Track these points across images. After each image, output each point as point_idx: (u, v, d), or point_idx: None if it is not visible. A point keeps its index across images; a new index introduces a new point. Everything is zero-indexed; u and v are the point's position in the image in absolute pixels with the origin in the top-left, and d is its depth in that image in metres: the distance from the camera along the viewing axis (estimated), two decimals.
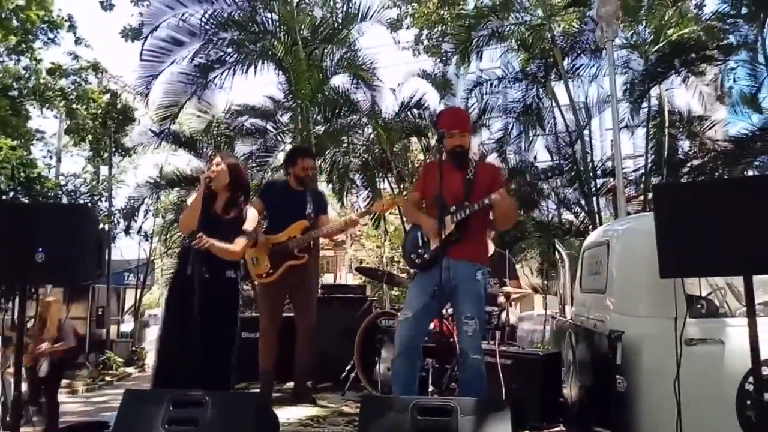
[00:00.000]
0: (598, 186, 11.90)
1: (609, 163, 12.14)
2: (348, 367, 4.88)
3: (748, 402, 2.95)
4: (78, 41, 14.41)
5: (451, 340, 4.37)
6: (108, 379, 12.10)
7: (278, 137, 9.23)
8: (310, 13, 9.42)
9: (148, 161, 17.11)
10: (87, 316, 13.55)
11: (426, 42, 15.22)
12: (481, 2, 13.78)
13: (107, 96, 15.13)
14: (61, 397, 10.91)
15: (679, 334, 3.00)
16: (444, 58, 14.10)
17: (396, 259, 20.53)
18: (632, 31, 11.91)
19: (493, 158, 13.94)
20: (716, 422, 3.00)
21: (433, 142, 14.12)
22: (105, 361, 12.90)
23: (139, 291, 15.49)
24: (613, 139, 7.76)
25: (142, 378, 12.77)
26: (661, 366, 3.05)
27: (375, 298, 5.75)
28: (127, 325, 16.12)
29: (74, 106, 14.46)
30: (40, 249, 2.87)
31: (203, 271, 3.26)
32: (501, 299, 4.63)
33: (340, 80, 10.56)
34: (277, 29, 8.51)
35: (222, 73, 8.48)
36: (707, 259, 2.48)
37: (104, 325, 13.76)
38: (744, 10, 11.55)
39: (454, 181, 3.42)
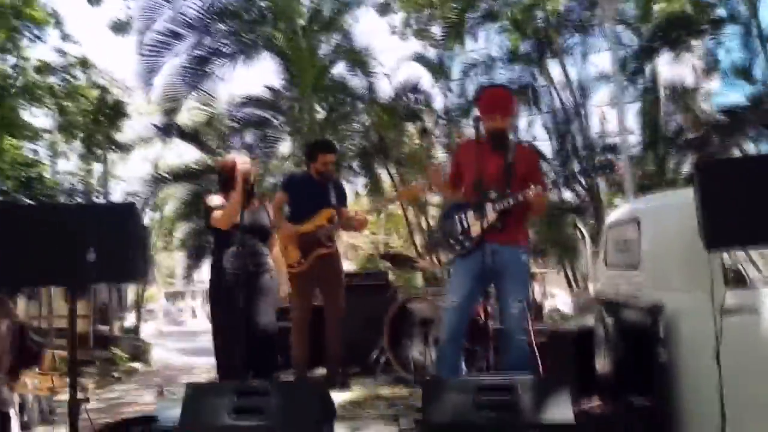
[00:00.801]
0: (596, 163, 12.05)
1: (608, 139, 12.32)
2: (376, 352, 4.96)
3: None
4: (65, 37, 14.23)
5: (482, 321, 4.46)
6: (116, 375, 12.09)
7: (282, 126, 9.23)
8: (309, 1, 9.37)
9: (136, 155, 17.04)
10: (90, 313, 13.49)
11: (415, 26, 15.20)
12: None
13: (97, 92, 14.96)
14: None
15: (717, 306, 3.09)
16: (434, 42, 14.12)
17: (391, 244, 20.66)
18: (622, 7, 11.97)
19: None
20: (754, 389, 3.10)
21: (429, 125, 14.24)
22: (110, 357, 12.89)
23: (140, 286, 15.48)
24: (618, 116, 7.88)
25: (149, 374, 12.78)
26: (700, 337, 3.13)
27: (400, 285, 5.81)
28: (129, 321, 16.12)
29: (64, 103, 14.31)
30: (92, 248, 2.90)
31: (248, 263, 3.35)
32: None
33: (337, 68, 10.61)
34: (277, 18, 8.47)
35: (223, 65, 8.44)
36: (751, 231, 2.57)
37: (107, 322, 13.73)
38: None
39: (494, 165, 3.43)
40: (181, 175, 9.52)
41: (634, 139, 13.64)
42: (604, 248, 4.52)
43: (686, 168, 11.97)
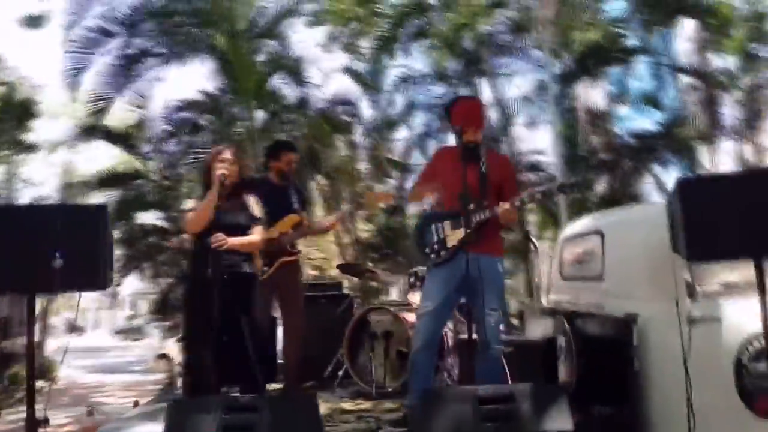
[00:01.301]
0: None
1: (532, 158, 12.85)
2: (332, 365, 4.86)
3: (744, 372, 3.26)
4: None
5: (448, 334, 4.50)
6: (19, 395, 11.14)
7: (221, 132, 8.93)
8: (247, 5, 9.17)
9: (42, 157, 15.94)
10: None
11: (342, 39, 15.20)
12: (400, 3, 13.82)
13: (1, 88, 13.92)
14: None
15: (684, 315, 3.26)
16: (361, 56, 14.20)
17: (311, 256, 20.40)
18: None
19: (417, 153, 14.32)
20: (717, 393, 3.28)
21: (357, 138, 14.26)
22: (13, 376, 11.87)
23: (43, 299, 14.33)
24: (552, 135, 8.23)
25: (57, 392, 11.88)
26: (667, 345, 3.29)
27: (356, 295, 5.73)
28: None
29: None
30: (58, 254, 2.66)
31: (221, 272, 3.17)
32: None
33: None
34: (218, 21, 8.22)
35: (155, 66, 8.07)
36: (730, 244, 2.73)
37: (9, 337, 12.63)
38: (639, 18, 12.57)
39: (470, 176, 3.44)
40: (107, 180, 8.97)
41: (550, 159, 14.29)
42: (559, 260, 4.68)
43: (600, 187, 12.65)
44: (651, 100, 12.89)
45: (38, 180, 15.63)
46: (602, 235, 3.88)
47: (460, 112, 3.68)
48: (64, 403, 10.68)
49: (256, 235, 3.43)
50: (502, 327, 3.51)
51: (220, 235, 3.20)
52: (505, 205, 3.40)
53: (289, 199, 4.26)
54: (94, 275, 2.77)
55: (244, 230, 3.39)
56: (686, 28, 12.72)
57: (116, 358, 22.89)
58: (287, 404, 2.66)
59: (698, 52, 12.17)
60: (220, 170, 3.34)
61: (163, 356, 16.09)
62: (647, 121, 12.92)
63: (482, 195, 3.46)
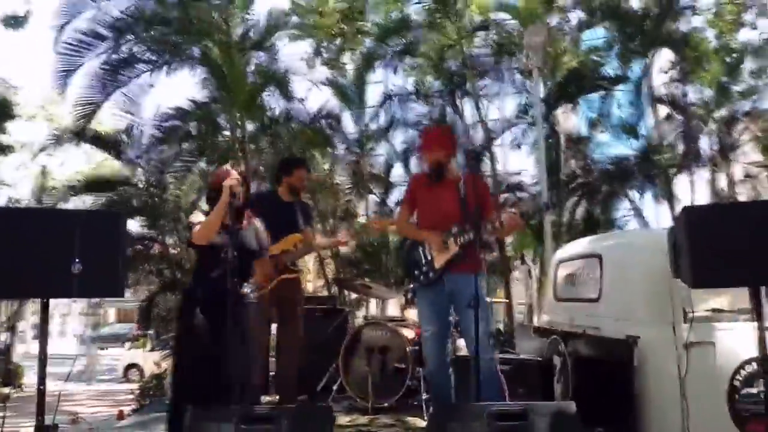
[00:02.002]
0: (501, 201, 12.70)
1: (514, 178, 13.06)
2: (326, 379, 4.86)
3: (737, 396, 3.39)
4: None
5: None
6: None
7: (211, 140, 8.90)
8: (240, 17, 9.19)
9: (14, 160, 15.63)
10: None
11: (325, 54, 15.26)
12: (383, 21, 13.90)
13: None
14: None
15: (683, 338, 3.38)
16: (344, 71, 14.30)
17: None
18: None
19: (398, 170, 14.43)
20: (711, 415, 3.40)
21: (339, 152, 14.31)
22: None
23: (12, 303, 14.00)
24: (539, 158, 8.42)
25: (25, 399, 11.55)
26: (665, 368, 3.41)
27: (349, 309, 5.73)
28: None
29: None
30: (77, 260, 2.66)
31: (233, 287, 3.17)
32: None
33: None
34: (211, 31, 8.22)
35: (149, 72, 8.04)
36: (733, 271, 2.84)
37: None
38: (615, 49, 12.96)
39: (447, 200, 3.64)
40: (93, 185, 8.83)
41: (531, 180, 14.51)
42: (553, 282, 4.78)
43: (580, 210, 12.90)
44: (629, 128, 13.23)
45: (11, 181, 15.35)
46: (600, 258, 3.99)
47: (425, 138, 4.10)
48: (32, 411, 10.35)
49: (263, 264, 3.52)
50: (491, 340, 3.63)
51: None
52: (509, 217, 3.56)
53: (295, 216, 4.27)
54: (111, 282, 2.77)
55: (255, 255, 3.43)
56: (664, 59, 13.16)
57: (83, 366, 22.34)
58: (302, 416, 2.67)
59: (675, 83, 12.56)
60: (231, 181, 3.32)
61: (134, 366, 15.85)
62: (625, 148, 13.23)
63: (463, 217, 3.59)
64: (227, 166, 3.63)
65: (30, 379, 12.44)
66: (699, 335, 3.50)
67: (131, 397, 10.37)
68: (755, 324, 2.95)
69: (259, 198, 3.97)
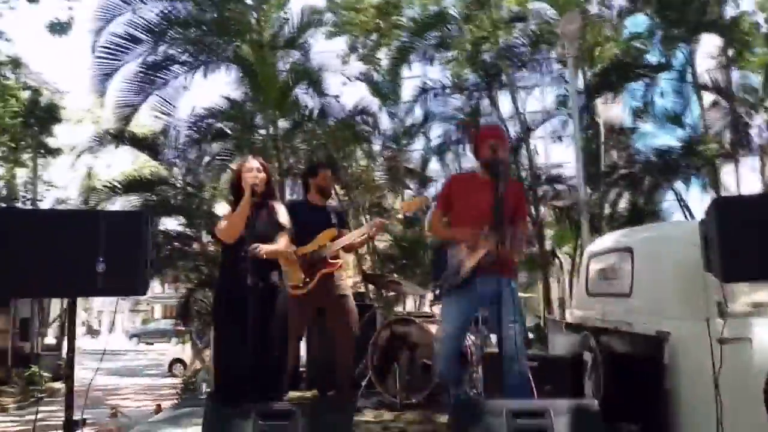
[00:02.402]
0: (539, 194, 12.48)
1: (553, 171, 12.82)
2: (356, 374, 4.87)
3: None
4: None
5: (466, 344, 4.50)
6: (38, 395, 11.26)
7: (247, 139, 9.02)
8: (273, 16, 9.28)
9: (63, 162, 16.17)
10: (9, 328, 12.56)
11: (361, 50, 15.25)
12: (420, 14, 13.84)
13: (27, 93, 14.16)
14: None
15: (715, 334, 3.25)
16: (379, 67, 14.26)
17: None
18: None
19: (434, 165, 14.34)
20: (747, 413, 3.27)
21: (376, 147, 14.32)
22: (30, 376, 12.01)
23: (65, 301, 14.48)
24: (575, 153, 8.26)
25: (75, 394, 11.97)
26: (697, 364, 3.29)
27: (378, 305, 5.73)
28: (50, 337, 15.09)
29: None
30: (101, 258, 2.72)
31: (257, 280, 3.20)
32: None
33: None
34: (243, 31, 8.33)
35: (185, 74, 8.20)
36: (766, 265, 2.72)
37: (28, 338, 12.81)
38: (658, 36, 12.54)
39: (486, 201, 3.50)
40: (134, 184, 9.09)
41: (570, 172, 14.20)
42: (585, 277, 4.67)
43: (623, 203, 12.58)
44: (673, 117, 12.82)
45: (61, 183, 15.89)
46: (632, 252, 3.88)
47: (484, 133, 3.88)
48: (81, 405, 10.72)
49: (282, 242, 3.45)
50: (523, 340, 3.55)
51: (259, 246, 3.25)
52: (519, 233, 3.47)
53: (328, 218, 4.29)
54: (134, 280, 2.83)
55: (272, 239, 3.42)
56: (709, 45, 12.69)
57: (131, 361, 23.07)
58: (321, 412, 2.68)
59: (722, 69, 12.09)
60: (251, 180, 3.37)
61: (179, 361, 16.23)
62: (669, 138, 12.82)
63: (498, 220, 3.49)
64: (248, 157, 3.65)
65: (79, 374, 12.87)
66: (735, 331, 3.36)
67: (174, 391, 10.65)
68: None
69: (292, 207, 3.98)
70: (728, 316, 3.43)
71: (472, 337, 4.41)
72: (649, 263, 3.74)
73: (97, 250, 2.72)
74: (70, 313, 2.87)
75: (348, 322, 4.20)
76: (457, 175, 4.18)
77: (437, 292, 4.94)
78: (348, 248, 4.44)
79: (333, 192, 4.58)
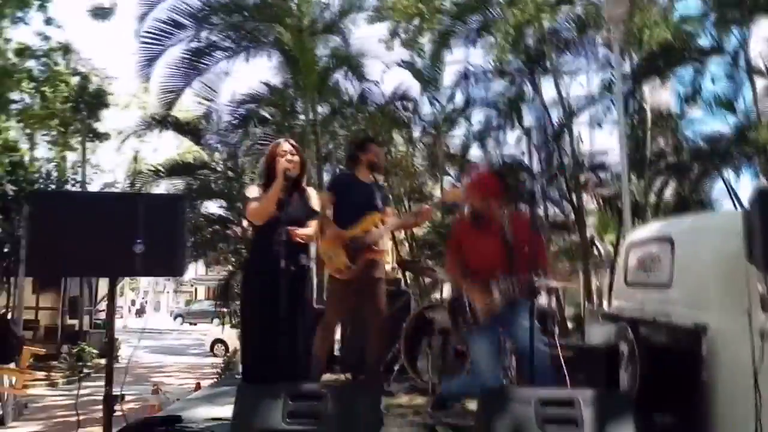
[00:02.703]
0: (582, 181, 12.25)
1: (597, 158, 12.56)
2: (388, 359, 4.91)
3: None
4: (48, 21, 13.83)
5: None
6: (85, 371, 11.73)
7: (284, 124, 9.12)
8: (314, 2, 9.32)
9: (111, 146, 16.63)
10: (59, 306, 13.07)
11: (403, 35, 15.13)
12: None
13: (77, 78, 14.61)
14: (41, 390, 10.59)
15: (757, 329, 3.15)
16: (421, 52, 14.14)
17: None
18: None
19: (475, 151, 14.17)
20: None
21: (416, 133, 14.26)
22: (79, 352, 12.51)
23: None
24: (619, 139, 8.08)
25: (119, 370, 12.42)
26: (737, 358, 3.19)
27: (414, 292, 5.76)
28: (101, 316, 15.66)
29: (42, 88, 13.90)
30: (139, 240, 2.80)
31: (289, 263, 3.24)
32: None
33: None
34: (283, 16, 8.38)
35: (223, 59, 8.32)
36: None
37: (77, 316, 13.32)
38: (712, 16, 12.05)
39: (492, 248, 3.48)
40: (177, 169, 9.31)
41: (614, 159, 13.87)
42: (624, 267, 4.58)
43: (669, 192, 12.25)
44: (725, 103, 12.35)
45: (108, 167, 16.41)
46: (672, 242, 3.78)
47: (473, 184, 3.82)
48: (128, 381, 11.13)
49: (312, 228, 3.48)
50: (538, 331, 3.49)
51: (296, 229, 3.29)
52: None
53: (374, 196, 4.24)
54: (172, 262, 2.90)
55: (304, 223, 3.44)
56: (765, 28, 12.14)
57: (175, 340, 23.74)
58: (351, 394, 2.72)
59: None
60: (284, 163, 3.40)
61: (220, 342, 16.64)
62: (720, 125, 12.37)
63: (508, 266, 3.42)
64: (282, 140, 3.67)
65: (126, 351, 13.34)
66: None
67: (214, 371, 10.93)
68: None
69: (338, 180, 3.97)
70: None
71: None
72: (689, 254, 3.64)
73: (136, 231, 2.79)
74: (111, 292, 2.97)
75: (379, 306, 4.18)
76: (461, 220, 4.11)
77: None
78: (398, 229, 4.41)
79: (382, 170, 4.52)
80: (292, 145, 3.59)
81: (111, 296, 3.00)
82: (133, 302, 37.66)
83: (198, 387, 6.36)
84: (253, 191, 3.54)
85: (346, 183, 4.23)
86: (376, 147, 4.34)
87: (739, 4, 10.82)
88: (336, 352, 5.39)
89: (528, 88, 12.96)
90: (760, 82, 11.95)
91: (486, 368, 3.53)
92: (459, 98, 13.79)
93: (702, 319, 3.33)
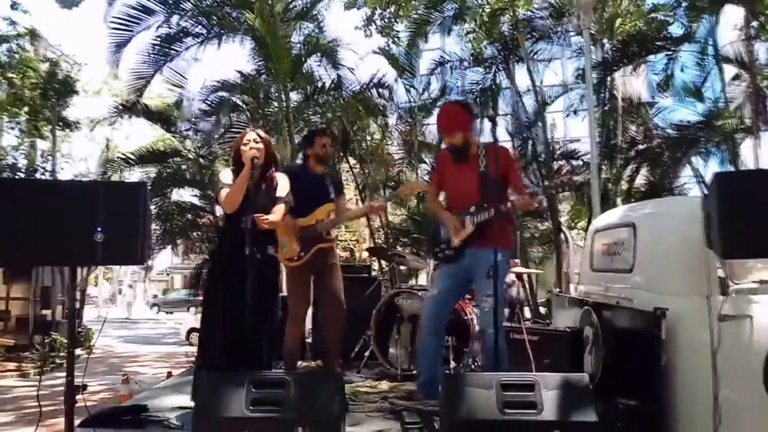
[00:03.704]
0: (555, 168, 12.36)
1: (570, 146, 12.67)
2: (359, 346, 4.94)
3: None
4: (14, 6, 13.49)
5: (467, 318, 4.53)
6: (58, 361, 11.58)
7: (258, 111, 9.05)
8: None
9: (83, 134, 16.33)
10: (30, 296, 12.87)
11: (379, 22, 15.06)
12: None
13: (46, 65, 14.29)
14: (12, 380, 10.45)
15: (715, 311, 3.22)
16: (397, 39, 14.11)
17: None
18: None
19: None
20: (745, 393, 3.25)
21: (391, 122, 14.25)
22: (51, 343, 12.35)
23: (84, 269, 14.77)
24: (589, 127, 8.15)
25: (92, 361, 12.28)
26: (696, 341, 3.27)
27: (385, 278, 5.78)
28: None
29: (9, 74, 13.58)
30: (99, 228, 2.77)
31: (256, 251, 3.23)
32: (512, 277, 4.82)
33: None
34: (257, 2, 8.29)
35: (194, 45, 8.20)
36: (766, 242, 2.68)
37: (49, 306, 13.13)
38: (683, 5, 12.19)
39: (468, 179, 3.59)
40: (147, 156, 9.18)
41: (585, 147, 14.01)
42: (590, 251, 4.65)
43: (640, 179, 12.41)
44: (694, 91, 12.54)
45: (79, 156, 16.11)
46: (635, 227, 3.84)
47: (439, 119, 3.95)
48: (100, 371, 11.09)
49: (278, 213, 3.47)
50: (504, 313, 3.60)
51: (262, 216, 3.29)
52: (520, 200, 3.59)
53: (326, 186, 4.29)
54: (132, 250, 2.87)
55: (269, 211, 3.44)
56: (733, 17, 12.33)
57: (150, 329, 23.54)
58: (313, 381, 2.72)
59: (745, 41, 11.76)
60: (252, 152, 3.40)
61: (195, 330, 16.54)
62: (689, 112, 12.57)
63: (482, 195, 3.53)
64: (248, 129, 3.68)
65: (99, 341, 13.19)
66: (735, 308, 3.33)
67: (189, 359, 10.87)
68: None
69: (289, 171, 3.99)
70: (730, 293, 3.40)
71: (476, 311, 4.44)
72: (651, 239, 3.71)
73: (96, 220, 2.76)
74: (72, 282, 2.93)
75: (336, 293, 4.20)
76: (443, 152, 4.19)
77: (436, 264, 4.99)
78: (349, 220, 4.47)
79: (334, 159, 4.56)
80: (258, 134, 3.60)
81: (73, 285, 2.97)
82: (113, 293, 37.29)
83: (169, 376, 6.33)
84: (225, 176, 3.53)
85: (297, 173, 4.23)
86: (322, 138, 4.35)
87: None
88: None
89: (505, 76, 13.01)
90: (728, 70, 12.16)
91: (435, 286, 3.75)
92: (435, 86, 13.84)
93: (663, 303, 3.39)
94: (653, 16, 12.51)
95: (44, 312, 13.16)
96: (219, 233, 3.68)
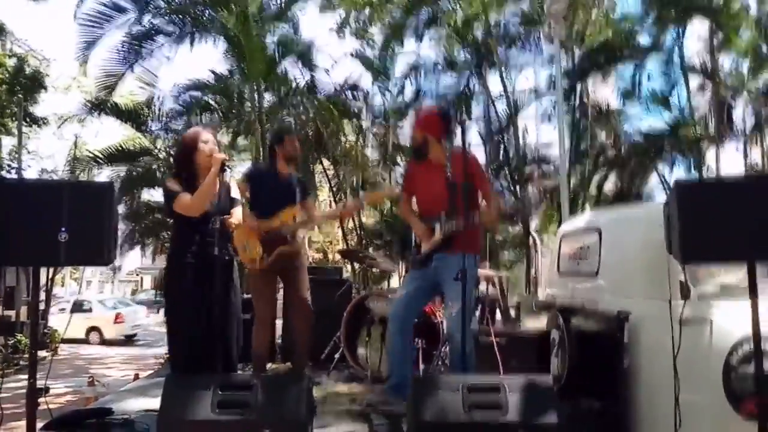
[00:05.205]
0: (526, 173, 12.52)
1: (542, 151, 12.85)
2: (329, 348, 4.94)
3: (732, 374, 3.30)
4: None
5: (437, 321, 4.57)
6: (22, 363, 11.33)
7: (231, 112, 8.98)
8: None
9: (51, 131, 15.99)
10: None
11: (353, 25, 15.09)
12: None
13: (13, 60, 13.96)
14: None
15: (677, 315, 3.30)
16: (372, 42, 14.17)
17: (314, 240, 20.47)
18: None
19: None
20: (705, 393, 3.33)
21: (365, 124, 14.29)
22: (15, 344, 12.07)
23: (50, 270, 14.47)
24: (559, 133, 8.27)
25: (56, 362, 12.04)
26: (658, 344, 3.34)
27: (356, 281, 5.79)
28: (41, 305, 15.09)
29: None
30: (64, 228, 2.72)
31: (223, 253, 3.23)
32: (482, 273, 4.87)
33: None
34: (229, 2, 8.23)
35: (170, 45, 8.12)
36: (724, 248, 2.76)
37: (13, 306, 12.82)
38: (651, 15, 12.48)
39: (437, 184, 3.57)
40: (117, 155, 9.02)
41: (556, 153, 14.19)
42: (557, 255, 4.72)
43: (609, 185, 12.65)
44: (660, 99, 12.83)
45: (46, 153, 15.76)
46: (600, 232, 3.92)
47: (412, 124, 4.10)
48: (66, 374, 10.87)
49: (242, 214, 3.47)
50: (473, 318, 3.63)
51: (228, 217, 3.28)
52: (485, 212, 3.60)
53: (293, 188, 4.24)
54: (98, 251, 2.82)
55: (229, 212, 3.41)
56: (699, 28, 12.64)
57: (116, 333, 23.09)
58: (280, 383, 2.72)
59: (710, 52, 12.07)
60: (222, 155, 3.35)
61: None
62: (656, 120, 12.86)
63: (451, 203, 3.50)
64: (200, 129, 3.63)
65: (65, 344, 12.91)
66: (695, 311, 3.41)
67: (158, 361, 10.73)
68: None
69: (255, 171, 3.95)
70: (691, 297, 3.49)
71: (445, 314, 4.47)
72: (615, 243, 3.78)
73: (61, 220, 2.71)
74: (35, 282, 2.88)
75: (301, 295, 4.16)
76: (411, 163, 4.22)
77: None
78: (313, 224, 4.44)
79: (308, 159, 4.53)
80: (213, 134, 3.57)
81: (36, 286, 2.91)
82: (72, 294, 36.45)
83: (136, 378, 6.25)
84: (174, 184, 3.41)
85: (262, 175, 4.20)
86: (291, 138, 4.31)
87: (676, 3, 11.22)
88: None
89: (475, 82, 13.15)
90: (694, 80, 12.47)
91: (403, 287, 3.78)
92: (409, 90, 13.93)
93: (626, 307, 3.47)
94: (622, 25, 12.76)
95: (9, 312, 12.85)
96: (173, 236, 3.61)
